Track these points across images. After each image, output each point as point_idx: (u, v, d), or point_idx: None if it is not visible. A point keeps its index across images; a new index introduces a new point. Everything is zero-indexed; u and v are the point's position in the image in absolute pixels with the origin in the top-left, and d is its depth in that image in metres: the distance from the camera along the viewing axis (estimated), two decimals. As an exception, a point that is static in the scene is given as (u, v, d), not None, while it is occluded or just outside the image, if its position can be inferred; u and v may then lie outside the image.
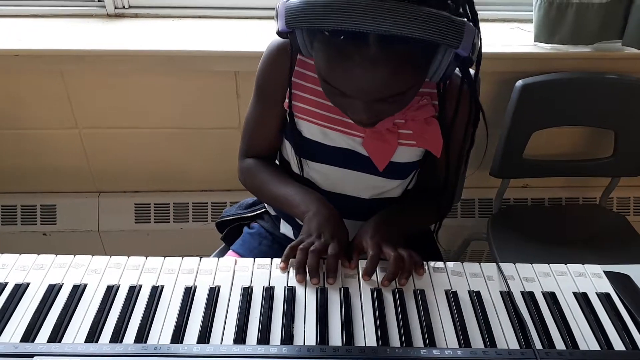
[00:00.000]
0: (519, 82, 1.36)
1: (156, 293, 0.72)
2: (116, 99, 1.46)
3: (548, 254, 1.38)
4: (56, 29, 1.43)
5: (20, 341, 0.65)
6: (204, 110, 1.49)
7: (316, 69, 0.75)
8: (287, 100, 0.87)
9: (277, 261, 0.78)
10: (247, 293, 0.72)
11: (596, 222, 1.53)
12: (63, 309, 0.69)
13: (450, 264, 0.81)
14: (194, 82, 1.44)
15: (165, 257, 0.78)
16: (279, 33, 0.73)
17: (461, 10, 0.71)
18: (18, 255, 0.78)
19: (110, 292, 0.72)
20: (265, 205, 1.05)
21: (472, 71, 0.83)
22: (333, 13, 0.64)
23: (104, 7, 1.48)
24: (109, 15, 1.49)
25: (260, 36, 1.41)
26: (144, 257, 0.78)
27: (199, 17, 1.50)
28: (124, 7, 1.49)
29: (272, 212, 1.03)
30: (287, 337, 0.67)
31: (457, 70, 0.80)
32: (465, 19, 0.69)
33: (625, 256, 1.36)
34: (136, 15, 1.50)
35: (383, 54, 0.67)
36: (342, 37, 0.68)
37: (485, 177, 1.47)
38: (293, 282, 0.75)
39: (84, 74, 1.41)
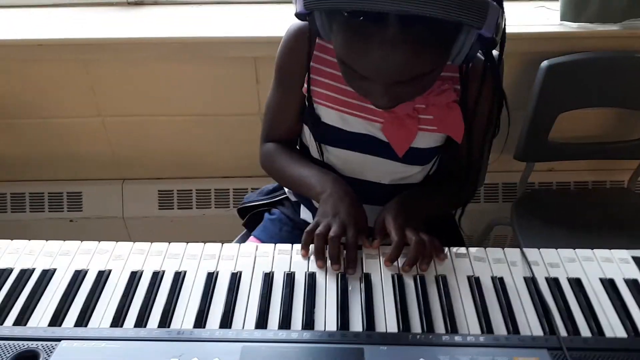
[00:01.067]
0: (545, 63, 1.33)
1: (179, 278, 0.73)
2: (138, 86, 1.47)
3: (574, 239, 1.35)
4: (77, 18, 1.45)
5: (48, 325, 0.66)
6: (224, 96, 1.49)
7: (335, 52, 0.74)
8: (305, 85, 0.87)
9: (297, 247, 0.78)
10: (268, 279, 0.73)
11: (624, 206, 1.49)
12: (89, 295, 0.71)
13: (472, 250, 0.80)
14: (214, 68, 1.44)
15: (187, 243, 0.79)
16: (297, 15, 0.73)
17: None
18: (45, 241, 0.80)
19: (134, 278, 0.73)
20: (286, 191, 1.05)
21: (495, 53, 0.81)
22: None
23: (124, -5, 1.49)
24: (129, 3, 1.50)
25: (279, 21, 1.39)
26: (167, 243, 0.79)
27: (218, 2, 1.50)
28: (143, -5, 1.50)
29: (293, 198, 1.03)
30: (308, 322, 0.67)
31: (479, 53, 0.79)
32: None
33: (654, 241, 1.33)
34: (155, 3, 1.51)
35: (403, 35, 0.65)
36: (361, 18, 0.66)
37: (509, 160, 1.44)
38: (313, 267, 0.75)
39: (106, 63, 1.42)
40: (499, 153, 1.02)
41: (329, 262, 0.75)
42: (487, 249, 0.80)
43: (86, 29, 1.39)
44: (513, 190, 1.60)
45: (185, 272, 0.74)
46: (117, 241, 0.80)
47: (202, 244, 0.79)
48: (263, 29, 1.36)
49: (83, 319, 0.67)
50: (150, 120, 1.53)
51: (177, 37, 1.36)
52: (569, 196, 1.60)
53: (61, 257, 0.77)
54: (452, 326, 0.67)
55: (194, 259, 0.76)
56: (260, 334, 0.65)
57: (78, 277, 0.73)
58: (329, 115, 0.87)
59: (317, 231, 0.75)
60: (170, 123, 1.54)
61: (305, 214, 1.00)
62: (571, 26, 1.39)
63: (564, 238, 1.35)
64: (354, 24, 0.67)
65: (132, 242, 0.79)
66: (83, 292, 0.71)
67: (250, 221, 1.09)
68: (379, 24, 0.65)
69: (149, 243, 0.79)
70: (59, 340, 0.63)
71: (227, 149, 1.58)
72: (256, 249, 0.78)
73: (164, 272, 0.74)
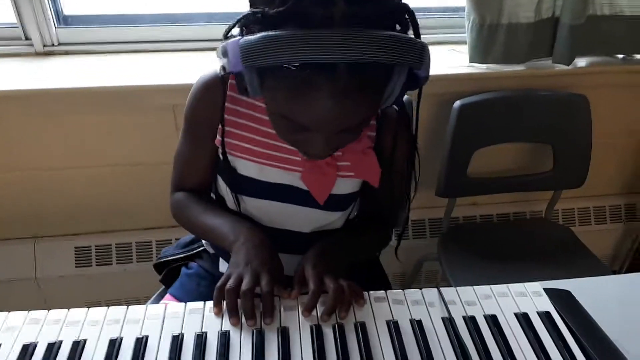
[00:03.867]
0: (457, 103, 1.39)
1: (77, 348, 0.67)
2: (49, 138, 1.40)
3: (499, 270, 1.38)
4: (-19, 69, 1.37)
5: None
6: (144, 145, 1.44)
7: (270, 107, 0.72)
8: (219, 137, 0.85)
9: (210, 304, 0.74)
10: (176, 341, 0.68)
11: (543, 235, 1.56)
12: (-28, 376, 0.64)
13: (391, 293, 0.79)
14: (131, 117, 1.40)
15: (89, 308, 0.73)
16: (226, 73, 0.68)
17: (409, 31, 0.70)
18: None
19: (27, 352, 0.66)
20: (204, 243, 1.01)
21: (405, 99, 0.82)
22: (301, 46, 0.60)
23: (32, 45, 1.43)
24: (38, 54, 1.44)
25: (194, 68, 1.39)
26: (66, 310, 0.73)
27: (131, 51, 1.47)
28: (53, 45, 1.44)
29: (211, 250, 0.99)
30: (221, 385, 0.63)
31: None
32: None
33: (572, 268, 1.38)
34: (67, 52, 1.46)
35: (352, 83, 0.64)
36: (307, 70, 0.64)
37: (432, 196, 1.48)
38: (228, 325, 0.71)
39: (13, 115, 1.34)
40: (413, 194, 1.03)
41: (243, 317, 0.71)
42: (405, 290, 0.80)
43: (-10, 81, 1.31)
44: (440, 225, 1.64)
45: (85, 341, 0.68)
46: (30, 305, 0.73)
47: (106, 308, 0.73)
48: (179, 77, 1.34)
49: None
50: (64, 173, 1.45)
51: (91, 87, 1.31)
52: (492, 228, 1.65)
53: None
54: (371, 376, 0.65)
55: (96, 325, 0.70)
56: (166, 404, 0.60)
57: (-40, 356, 0.66)
58: (245, 167, 0.85)
59: (228, 286, 0.71)
60: (85, 175, 1.46)
61: (224, 267, 0.96)
62: (480, 67, 1.47)
63: (489, 270, 1.38)
64: (299, 76, 0.64)
65: (26, 312, 0.72)
66: (-35, 373, 0.64)
67: (168, 276, 1.04)
68: (329, 75, 0.63)
69: (46, 311, 0.72)
70: None
71: (148, 199, 1.52)
72: (165, 310, 0.74)
73: (61, 342, 0.68)
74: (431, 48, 1.68)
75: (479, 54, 1.44)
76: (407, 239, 1.66)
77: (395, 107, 0.84)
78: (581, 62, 1.50)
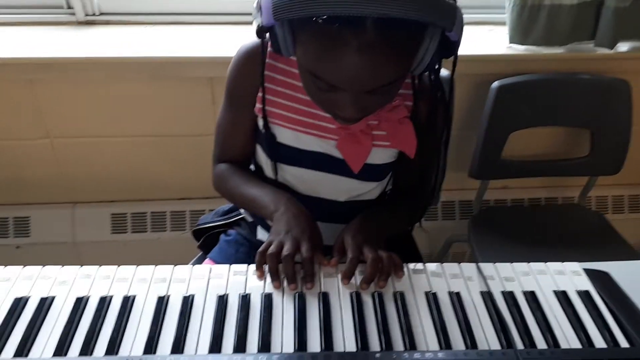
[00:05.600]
0: (495, 83, 1.37)
1: (128, 303, 0.69)
2: (89, 107, 1.43)
3: (529, 253, 1.38)
4: (25, 37, 1.40)
5: (-16, 358, 0.62)
6: (180, 117, 1.47)
7: (301, 65, 0.73)
8: (258, 105, 0.86)
9: (253, 267, 0.76)
10: (222, 301, 0.70)
11: (575, 221, 1.54)
12: (30, 323, 0.66)
13: (429, 265, 0.80)
14: (169, 88, 1.42)
15: (138, 265, 0.76)
16: (260, 29, 0.70)
17: None
18: (-17, 268, 0.75)
19: (80, 304, 0.69)
20: (242, 211, 1.03)
21: (445, 74, 0.82)
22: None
23: (74, 14, 1.46)
24: (80, 23, 1.47)
25: (234, 41, 1.39)
26: (115, 267, 0.75)
27: (172, 23, 1.48)
28: (94, 14, 1.47)
29: (249, 219, 1.01)
30: (265, 344, 0.65)
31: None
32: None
33: (604, 254, 1.34)
34: (107, 22, 1.48)
35: (380, 39, 0.65)
36: (336, 24, 0.64)
37: (464, 178, 1.47)
38: (270, 288, 0.73)
39: (54, 83, 1.38)
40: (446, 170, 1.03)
41: (285, 282, 0.73)
42: (443, 264, 0.80)
43: (33, 48, 1.34)
44: (469, 208, 1.63)
45: (134, 297, 0.71)
46: (61, 266, 0.76)
47: (153, 266, 0.75)
48: (219, 49, 1.35)
49: (23, 349, 0.63)
50: (102, 141, 1.49)
51: (130, 57, 1.34)
52: (523, 212, 1.64)
53: (1, 283, 0.73)
54: (410, 343, 0.66)
55: (144, 283, 0.73)
56: (213, 358, 0.62)
57: (18, 304, 0.69)
58: (283, 134, 0.87)
59: (269, 251, 0.73)
60: (123, 144, 1.50)
61: (262, 234, 0.98)
62: (519, 49, 1.44)
63: (519, 253, 1.38)
64: (328, 30, 0.65)
65: (78, 266, 0.75)
66: (24, 320, 0.67)
67: (206, 243, 1.07)
68: (357, 29, 0.64)
69: (97, 267, 0.75)
70: (-6, 373, 0.59)
71: (183, 170, 1.55)
72: (210, 271, 0.76)
73: (112, 297, 0.71)
74: (470, 28, 1.66)
75: (519, 34, 1.42)
76: (436, 220, 1.66)
77: (431, 77, 0.83)
78: (623, 46, 1.47)
